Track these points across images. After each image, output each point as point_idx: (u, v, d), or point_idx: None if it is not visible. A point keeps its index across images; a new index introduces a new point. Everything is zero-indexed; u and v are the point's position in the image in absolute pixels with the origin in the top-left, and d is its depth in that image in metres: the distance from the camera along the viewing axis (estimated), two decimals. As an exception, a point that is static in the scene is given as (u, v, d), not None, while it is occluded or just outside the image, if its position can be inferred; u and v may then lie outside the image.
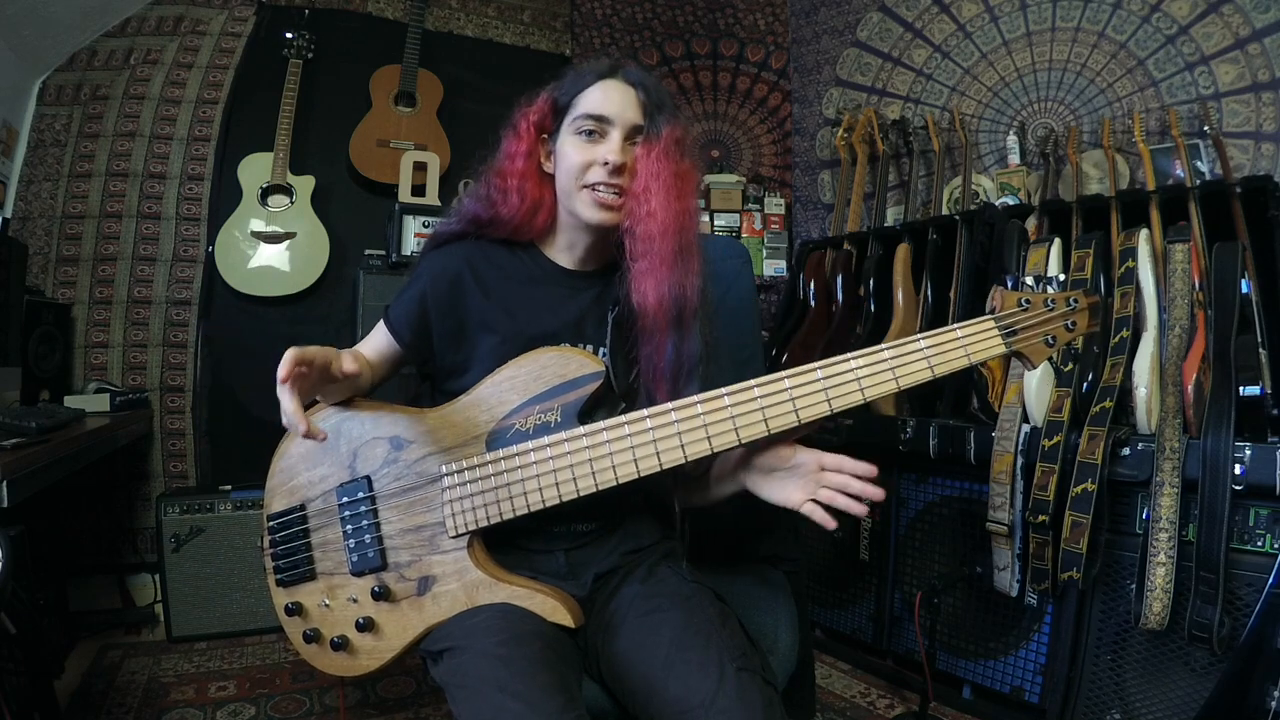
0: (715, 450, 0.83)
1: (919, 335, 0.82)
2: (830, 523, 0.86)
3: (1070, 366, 1.50)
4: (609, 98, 0.93)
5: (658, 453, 0.84)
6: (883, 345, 0.82)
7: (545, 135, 0.99)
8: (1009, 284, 0.86)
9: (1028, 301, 0.83)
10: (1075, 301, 0.83)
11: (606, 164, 0.91)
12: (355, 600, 0.91)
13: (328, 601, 0.92)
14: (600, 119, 0.93)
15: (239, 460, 2.21)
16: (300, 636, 0.93)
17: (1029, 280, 0.86)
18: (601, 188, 0.92)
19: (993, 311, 0.84)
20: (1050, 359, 0.84)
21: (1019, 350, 0.83)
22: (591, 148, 0.93)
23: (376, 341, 1.00)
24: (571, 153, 0.94)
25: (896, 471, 1.85)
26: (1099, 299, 0.84)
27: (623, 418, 0.85)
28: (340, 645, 0.90)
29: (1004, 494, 1.49)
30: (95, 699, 1.65)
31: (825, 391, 0.81)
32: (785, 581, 1.14)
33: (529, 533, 0.93)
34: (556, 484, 0.86)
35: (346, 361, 0.83)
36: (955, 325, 0.82)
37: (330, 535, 0.93)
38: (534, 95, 1.00)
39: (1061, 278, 0.87)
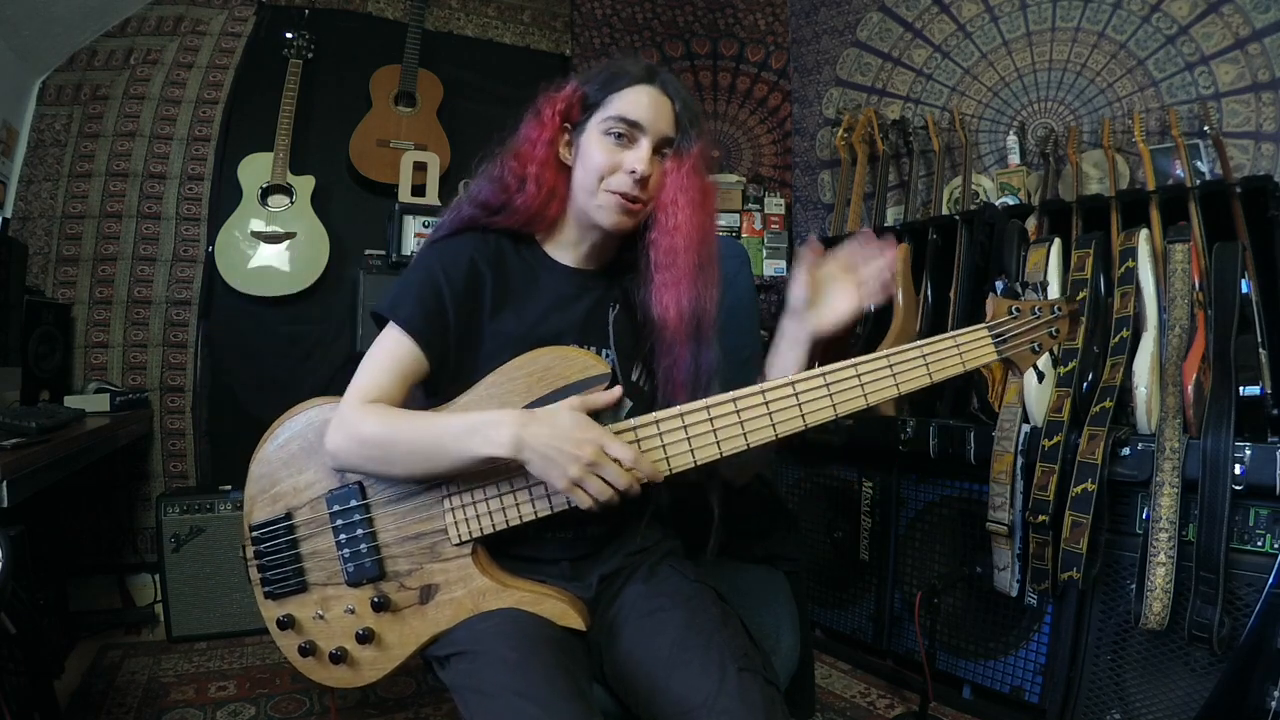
0: (724, 454, 0.83)
1: (919, 342, 0.85)
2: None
3: (1071, 365, 1.50)
4: (644, 104, 0.91)
5: (667, 458, 0.84)
6: (885, 351, 0.85)
7: (569, 125, 0.95)
8: (998, 289, 0.89)
9: (1017, 310, 0.87)
10: (1058, 310, 0.87)
11: (634, 173, 0.90)
12: (353, 611, 0.87)
13: (322, 613, 0.88)
14: (633, 124, 0.91)
15: (239, 460, 2.15)
16: (295, 650, 0.88)
17: (1017, 287, 0.89)
18: (628, 195, 0.90)
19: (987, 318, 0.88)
20: (1035, 367, 0.89)
21: (1009, 357, 0.86)
22: (619, 152, 0.91)
23: (398, 361, 0.88)
24: (597, 153, 0.91)
25: (896, 471, 1.86)
26: (1077, 306, 0.91)
27: (631, 421, 0.85)
28: (339, 658, 0.87)
29: (1004, 494, 1.49)
30: (95, 699, 1.65)
31: (830, 396, 0.84)
32: (786, 581, 1.14)
33: (535, 539, 0.91)
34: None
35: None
36: (952, 333, 0.86)
37: (321, 545, 0.89)
38: (562, 83, 0.97)
39: (1041, 280, 0.90)
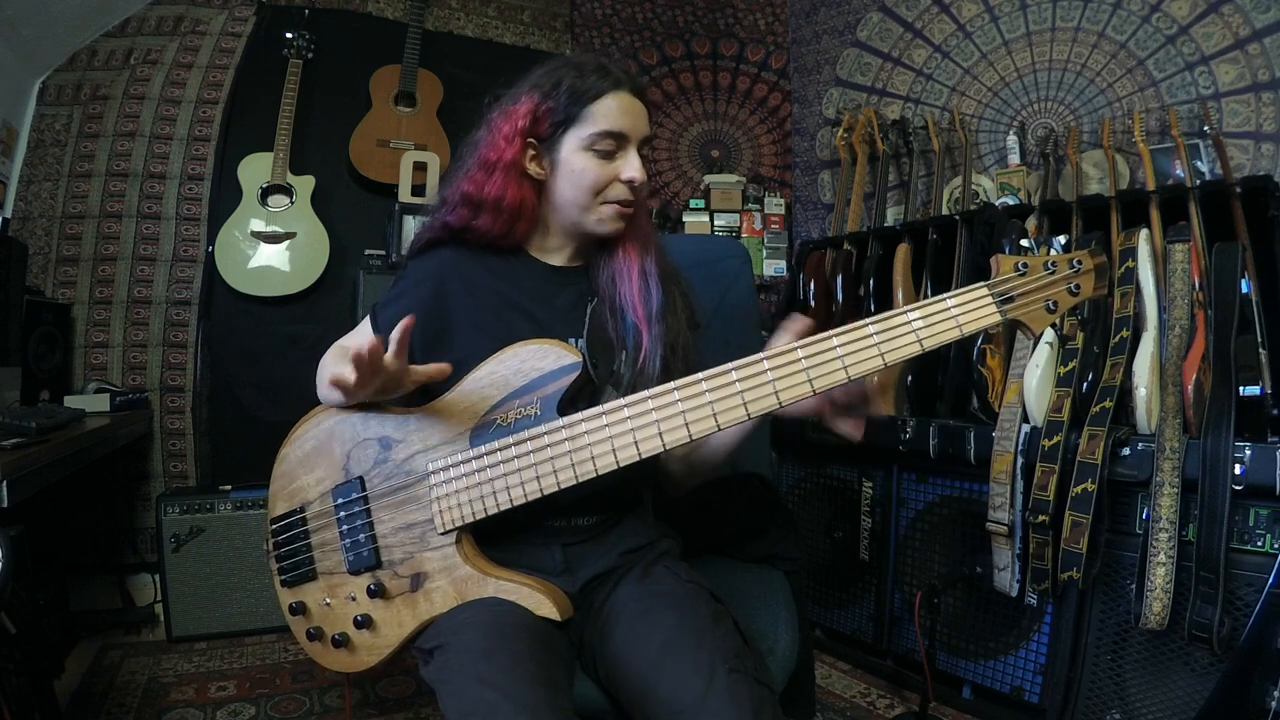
0: (693, 437, 0.81)
1: (908, 307, 0.78)
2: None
3: (1071, 365, 1.50)
4: (624, 111, 0.92)
5: (636, 442, 0.82)
6: (867, 320, 0.78)
7: (535, 140, 0.94)
8: (1006, 250, 0.82)
9: (1025, 265, 0.78)
10: (1079, 263, 0.78)
11: (631, 181, 0.92)
12: (354, 598, 0.92)
13: (329, 600, 0.94)
14: (620, 137, 0.92)
15: (239, 460, 2.21)
16: (304, 634, 0.95)
17: (1026, 243, 0.82)
18: (624, 203, 0.94)
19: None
20: (1056, 328, 0.80)
21: (1016, 318, 0.78)
22: (610, 165, 0.93)
23: (364, 339, 1.00)
24: (588, 171, 0.92)
25: (896, 471, 1.85)
26: (1105, 259, 0.79)
27: (600, 408, 0.84)
28: (341, 642, 0.92)
29: (1004, 494, 1.49)
30: (95, 699, 1.65)
31: (806, 372, 0.78)
32: (785, 581, 1.14)
33: (527, 528, 0.93)
34: (538, 477, 0.85)
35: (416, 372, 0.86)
36: (947, 294, 0.78)
37: (328, 536, 0.94)
38: (514, 100, 0.95)
39: (1063, 240, 0.83)
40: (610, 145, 0.92)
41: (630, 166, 0.93)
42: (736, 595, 1.01)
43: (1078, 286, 0.78)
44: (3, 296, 1.70)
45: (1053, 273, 0.78)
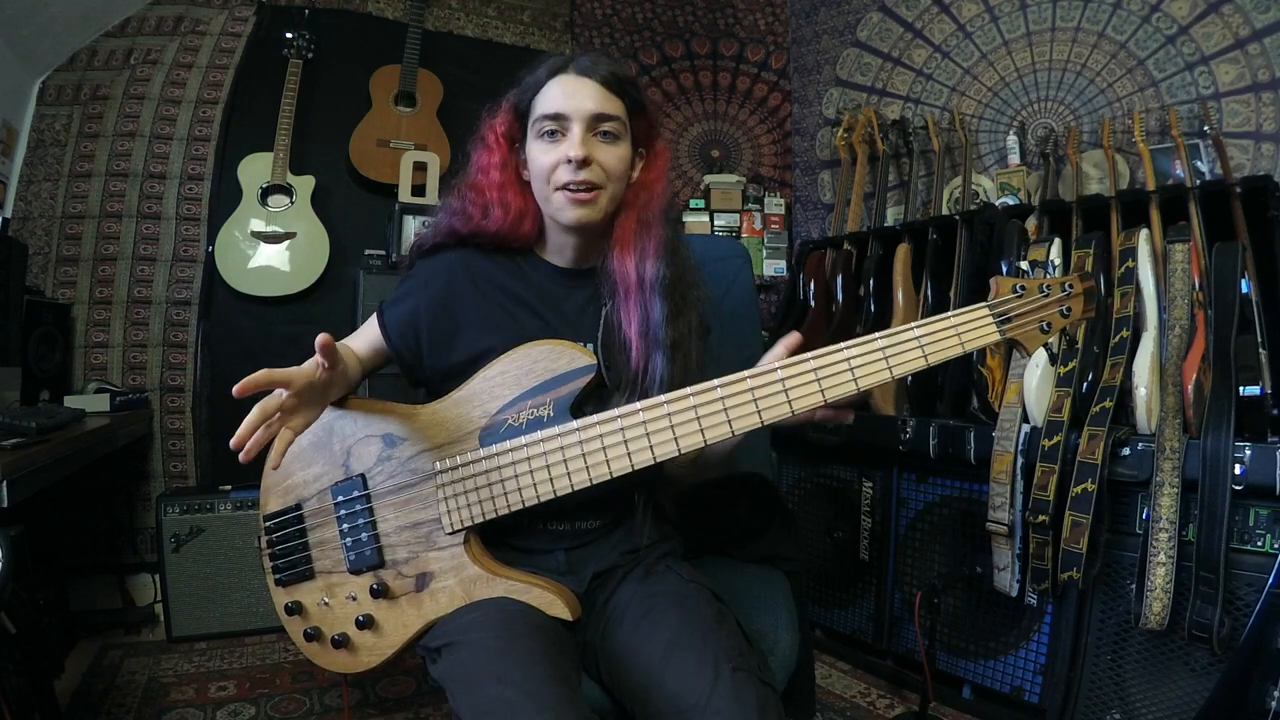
0: (708, 442, 0.82)
1: (913, 324, 0.81)
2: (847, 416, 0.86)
3: (1071, 365, 1.50)
4: (562, 93, 0.92)
5: (650, 445, 0.83)
6: (876, 334, 0.81)
7: (516, 143, 0.97)
8: (1005, 271, 0.86)
9: (1022, 288, 0.82)
10: (1070, 287, 0.83)
11: (570, 161, 0.90)
12: (354, 598, 0.91)
13: (327, 600, 0.93)
14: (558, 117, 0.91)
15: (238, 460, 2.20)
16: (301, 635, 0.94)
17: (1024, 265, 0.86)
18: (573, 186, 0.91)
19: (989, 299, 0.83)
20: (1049, 348, 0.84)
21: (1013, 337, 0.82)
22: (555, 147, 0.92)
23: (369, 335, 1.01)
24: (539, 156, 0.93)
25: (896, 471, 1.85)
26: (1094, 284, 0.84)
27: (614, 410, 0.84)
28: (341, 643, 0.91)
29: (1004, 494, 1.49)
30: (95, 699, 1.65)
31: (819, 382, 0.81)
32: (785, 582, 1.14)
33: (530, 530, 0.93)
34: (550, 479, 0.85)
35: (324, 358, 0.80)
36: (950, 313, 0.82)
37: (327, 534, 0.93)
38: (497, 105, 0.98)
39: (1057, 262, 0.86)
40: (551, 126, 0.92)
41: (569, 145, 0.90)
42: (737, 595, 1.01)
43: (1069, 309, 0.83)
44: (3, 296, 1.70)
45: (1047, 295, 0.83)
